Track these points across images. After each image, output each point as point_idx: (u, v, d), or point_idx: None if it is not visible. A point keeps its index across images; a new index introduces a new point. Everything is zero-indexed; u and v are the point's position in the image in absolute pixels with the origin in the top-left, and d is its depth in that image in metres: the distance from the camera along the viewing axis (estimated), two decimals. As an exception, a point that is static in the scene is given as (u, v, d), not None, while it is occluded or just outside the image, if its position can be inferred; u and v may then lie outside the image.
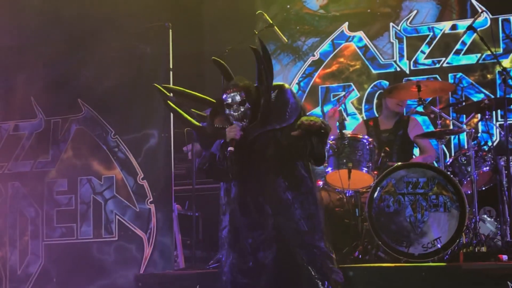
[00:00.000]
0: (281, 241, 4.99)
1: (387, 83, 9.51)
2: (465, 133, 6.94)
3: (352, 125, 7.75)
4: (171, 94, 5.23)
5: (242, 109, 5.01)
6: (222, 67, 5.19)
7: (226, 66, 5.20)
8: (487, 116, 6.65)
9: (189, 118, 5.10)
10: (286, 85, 5.18)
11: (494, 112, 8.69)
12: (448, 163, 6.81)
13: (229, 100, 5.02)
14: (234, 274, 5.12)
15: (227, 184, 5.18)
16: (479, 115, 6.80)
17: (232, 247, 5.16)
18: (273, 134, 5.05)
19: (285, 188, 5.03)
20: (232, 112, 5.02)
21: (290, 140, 4.99)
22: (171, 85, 5.22)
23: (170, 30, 6.84)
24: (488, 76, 9.39)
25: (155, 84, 5.19)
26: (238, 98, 5.00)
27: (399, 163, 6.59)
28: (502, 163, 6.59)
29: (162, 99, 5.18)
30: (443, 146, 7.03)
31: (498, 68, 8.86)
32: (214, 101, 5.20)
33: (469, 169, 6.63)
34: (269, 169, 5.04)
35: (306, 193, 5.08)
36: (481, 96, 9.16)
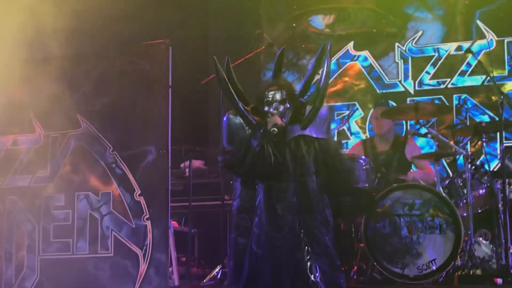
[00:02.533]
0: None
1: (392, 103, 9.49)
2: (462, 155, 6.90)
3: (350, 144, 7.75)
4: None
5: (281, 108, 5.02)
6: (279, 58, 5.18)
7: (282, 59, 5.19)
8: (483, 139, 6.62)
9: (237, 99, 5.06)
10: (328, 105, 5.23)
11: (498, 134, 8.68)
12: (445, 185, 6.77)
13: (270, 98, 5.04)
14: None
15: (247, 183, 5.16)
16: (484, 137, 6.76)
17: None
18: (311, 141, 5.05)
19: (316, 192, 5.03)
20: (271, 110, 5.04)
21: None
22: (231, 68, 5.12)
23: (170, 48, 6.85)
24: (493, 97, 9.37)
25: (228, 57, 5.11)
26: (278, 96, 5.02)
27: (395, 185, 6.57)
28: (499, 186, 6.56)
29: (217, 74, 5.09)
30: (441, 167, 6.99)
31: (503, 89, 8.84)
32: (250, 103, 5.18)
33: (465, 191, 6.60)
34: (303, 171, 5.03)
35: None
36: (486, 117, 9.14)
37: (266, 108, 5.06)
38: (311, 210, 5.00)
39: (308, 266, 5.06)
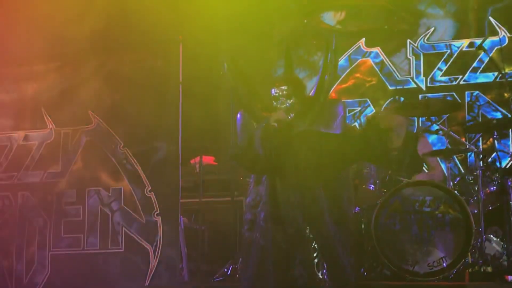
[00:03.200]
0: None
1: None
2: (473, 152, 6.88)
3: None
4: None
5: (288, 103, 5.03)
6: (287, 54, 5.20)
7: (290, 55, 5.20)
8: (495, 136, 6.59)
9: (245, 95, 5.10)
10: (342, 101, 5.21)
11: (510, 131, 8.65)
12: (456, 182, 6.75)
13: (276, 93, 5.05)
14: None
15: (258, 178, 5.17)
16: (495, 134, 6.73)
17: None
18: (317, 136, 5.05)
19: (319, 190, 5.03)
20: (278, 105, 5.04)
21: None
22: (239, 64, 5.16)
23: (181, 44, 6.86)
24: (505, 94, 9.32)
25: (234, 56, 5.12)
26: (284, 91, 5.03)
27: (406, 181, 6.55)
28: (510, 183, 6.52)
29: (229, 68, 5.11)
30: (452, 164, 6.97)
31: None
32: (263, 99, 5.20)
33: (476, 189, 6.57)
34: (307, 166, 5.03)
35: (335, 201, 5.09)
36: (498, 114, 9.10)
37: (274, 103, 5.08)
38: (315, 204, 4.99)
39: (315, 263, 5.07)
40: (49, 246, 6.99)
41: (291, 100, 5.04)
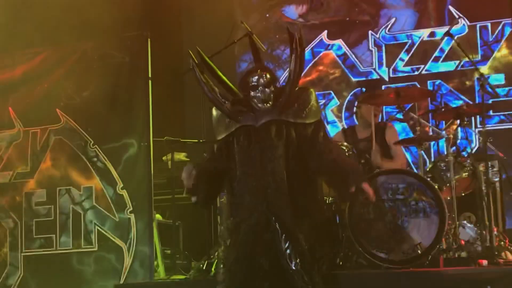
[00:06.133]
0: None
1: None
2: (444, 139, 6.95)
3: (331, 133, 7.77)
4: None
5: (267, 91, 5.01)
6: (254, 46, 5.18)
7: (258, 45, 5.18)
8: (465, 122, 6.67)
9: (214, 88, 5.07)
10: (312, 89, 5.19)
11: (473, 119, 8.77)
12: (428, 169, 6.81)
13: (255, 82, 5.03)
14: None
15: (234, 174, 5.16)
16: (458, 121, 6.79)
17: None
18: (286, 126, 5.04)
19: (285, 180, 5.02)
20: (257, 94, 5.02)
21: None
22: (207, 58, 5.13)
23: (149, 39, 6.82)
24: (467, 82, 9.46)
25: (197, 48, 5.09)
26: (262, 80, 5.01)
27: (378, 170, 6.60)
28: (481, 169, 6.60)
29: (192, 64, 5.09)
30: (423, 152, 7.02)
31: (476, 75, 8.89)
32: (235, 89, 5.16)
33: (448, 175, 6.63)
34: (275, 158, 5.02)
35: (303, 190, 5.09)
36: (460, 102, 9.21)
37: (252, 94, 5.06)
38: (279, 195, 4.99)
39: (288, 254, 5.05)
40: (21, 247, 6.93)
41: (271, 88, 5.04)
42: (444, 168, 6.67)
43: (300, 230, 5.01)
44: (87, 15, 6.97)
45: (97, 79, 6.92)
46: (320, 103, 9.76)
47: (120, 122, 6.88)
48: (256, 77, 5.05)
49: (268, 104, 5.02)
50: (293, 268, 5.02)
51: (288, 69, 5.01)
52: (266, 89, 5.02)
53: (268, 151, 5.01)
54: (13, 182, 7.05)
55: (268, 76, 5.04)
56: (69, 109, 7.00)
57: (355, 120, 7.83)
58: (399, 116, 7.45)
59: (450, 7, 9.61)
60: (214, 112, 5.21)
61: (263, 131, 5.05)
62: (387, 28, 9.83)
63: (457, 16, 9.45)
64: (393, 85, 9.26)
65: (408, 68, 9.73)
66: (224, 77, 5.17)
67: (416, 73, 9.67)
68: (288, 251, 5.03)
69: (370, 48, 9.88)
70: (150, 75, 6.79)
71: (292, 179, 5.03)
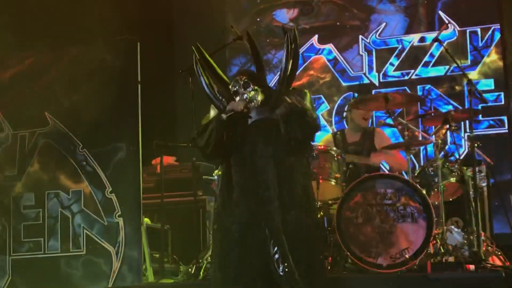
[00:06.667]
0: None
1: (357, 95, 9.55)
2: (432, 144, 6.97)
3: (320, 137, 7.79)
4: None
5: (246, 95, 5.04)
6: (252, 44, 5.21)
7: (256, 46, 5.21)
8: (454, 127, 6.68)
9: (212, 85, 5.10)
10: (307, 91, 5.21)
11: (462, 124, 8.80)
12: (416, 174, 6.83)
13: (235, 88, 5.07)
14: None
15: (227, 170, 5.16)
16: (447, 126, 6.82)
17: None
18: (276, 126, 5.06)
19: (275, 181, 5.03)
20: (242, 97, 5.06)
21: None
22: (207, 55, 5.16)
23: (138, 43, 6.82)
24: (457, 87, 9.49)
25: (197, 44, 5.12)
26: (239, 84, 5.05)
27: (367, 174, 6.61)
28: (469, 174, 6.62)
29: (194, 59, 5.11)
30: (412, 157, 7.05)
31: (465, 80, 8.92)
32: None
33: (436, 180, 6.65)
34: (265, 157, 5.03)
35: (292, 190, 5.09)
36: (450, 107, 9.24)
37: (237, 99, 5.11)
38: (269, 195, 4.99)
39: (276, 259, 5.05)
40: (9, 251, 6.91)
41: (250, 92, 5.07)
42: (432, 173, 6.70)
43: (289, 232, 5.03)
44: (78, 19, 6.97)
45: (87, 83, 6.91)
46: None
47: (110, 125, 6.86)
48: (233, 83, 5.11)
49: (254, 103, 5.05)
50: (281, 273, 5.03)
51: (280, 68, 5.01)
52: (248, 89, 5.07)
53: (259, 150, 5.03)
54: (1, 184, 7.02)
55: (243, 78, 5.09)
56: (58, 113, 6.98)
57: (345, 125, 7.86)
58: (389, 121, 7.47)
59: (440, 13, 9.65)
60: (212, 110, 5.25)
61: (254, 129, 5.08)
62: (378, 33, 9.87)
63: (447, 22, 9.48)
64: (383, 90, 9.31)
65: (398, 73, 9.76)
66: (222, 75, 5.21)
67: (406, 78, 9.70)
68: (276, 256, 5.04)
69: (361, 52, 9.91)
70: (139, 79, 6.78)
71: (282, 178, 5.04)
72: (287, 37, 4.96)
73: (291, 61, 4.95)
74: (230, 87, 5.12)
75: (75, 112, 6.95)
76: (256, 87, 5.06)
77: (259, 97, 5.06)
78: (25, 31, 6.97)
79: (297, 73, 5.11)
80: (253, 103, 5.05)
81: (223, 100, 5.12)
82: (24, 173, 7.00)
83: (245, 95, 5.05)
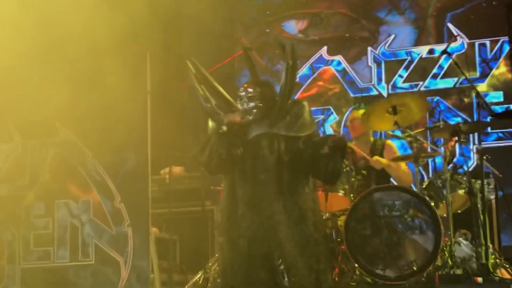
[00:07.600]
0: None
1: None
2: (441, 156, 6.97)
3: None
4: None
5: (250, 105, 5.06)
6: (250, 61, 5.25)
7: (253, 61, 5.25)
8: (463, 139, 6.68)
9: (209, 99, 5.11)
10: (305, 102, 5.23)
11: (471, 136, 8.80)
12: (424, 186, 6.83)
13: (241, 93, 5.10)
14: None
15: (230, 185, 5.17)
16: (455, 138, 6.82)
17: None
18: (278, 139, 5.07)
19: (279, 194, 5.04)
20: (241, 106, 5.08)
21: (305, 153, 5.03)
22: (203, 69, 5.20)
23: (148, 54, 6.85)
24: (465, 99, 9.49)
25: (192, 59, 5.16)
26: (245, 93, 5.08)
27: (375, 186, 6.62)
28: (477, 186, 6.62)
29: (189, 73, 5.14)
30: (421, 168, 7.05)
31: (473, 93, 8.92)
32: (231, 100, 5.21)
33: (444, 192, 6.65)
34: (267, 170, 5.04)
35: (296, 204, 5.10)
36: (458, 119, 9.24)
37: (238, 105, 5.14)
38: (273, 208, 5.00)
39: (281, 270, 5.07)
40: (19, 260, 6.93)
41: (253, 103, 5.09)
42: (441, 185, 6.70)
43: (295, 244, 5.03)
44: (87, 29, 6.99)
45: (97, 93, 6.93)
46: (319, 119, 9.81)
47: (119, 135, 6.87)
48: (241, 89, 5.16)
49: (249, 117, 5.08)
50: (285, 285, 5.06)
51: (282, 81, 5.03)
52: (250, 103, 5.09)
53: (260, 164, 5.05)
54: (12, 195, 7.04)
55: (250, 90, 5.11)
56: (68, 122, 7.01)
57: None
58: (397, 133, 7.46)
59: (449, 25, 9.66)
60: (210, 123, 5.26)
61: (254, 144, 5.09)
62: (387, 45, 9.88)
63: (456, 34, 9.49)
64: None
65: (407, 85, 9.77)
66: (220, 89, 5.22)
67: (414, 89, 9.71)
68: (281, 267, 5.06)
69: (369, 64, 9.92)
70: (149, 89, 6.81)
71: (285, 191, 5.06)
72: (286, 52, 4.99)
73: (289, 75, 4.99)
74: (239, 90, 5.16)
75: (85, 121, 6.97)
76: (259, 103, 5.09)
77: (257, 112, 5.09)
78: (35, 42, 6.99)
79: (294, 85, 5.12)
80: (249, 116, 5.08)
81: (221, 114, 5.13)
82: (36, 182, 7.02)
83: (244, 104, 5.08)
